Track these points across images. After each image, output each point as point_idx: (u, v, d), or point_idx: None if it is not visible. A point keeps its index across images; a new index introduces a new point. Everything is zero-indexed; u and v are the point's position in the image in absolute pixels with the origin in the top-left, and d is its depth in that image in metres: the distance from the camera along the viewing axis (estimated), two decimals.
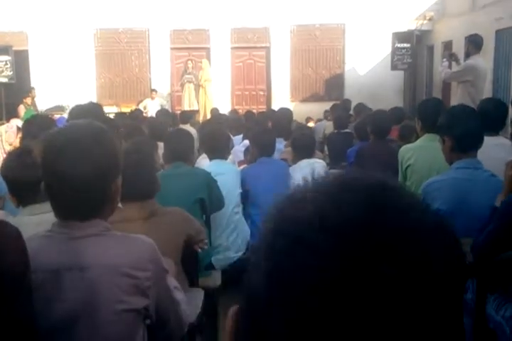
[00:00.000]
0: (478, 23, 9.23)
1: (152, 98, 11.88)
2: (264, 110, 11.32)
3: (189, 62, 12.24)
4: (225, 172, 3.69)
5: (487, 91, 7.48)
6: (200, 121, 8.82)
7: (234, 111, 9.66)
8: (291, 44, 13.06)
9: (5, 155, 2.78)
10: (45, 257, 1.35)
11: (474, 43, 6.07)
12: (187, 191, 3.05)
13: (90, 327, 1.32)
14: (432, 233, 0.45)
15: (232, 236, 3.69)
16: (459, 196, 2.64)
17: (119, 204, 1.70)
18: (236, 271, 3.97)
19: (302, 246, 0.43)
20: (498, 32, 8.97)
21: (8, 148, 4.80)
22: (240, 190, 3.78)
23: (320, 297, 0.41)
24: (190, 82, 11.97)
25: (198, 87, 11.92)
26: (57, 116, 8.90)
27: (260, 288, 0.45)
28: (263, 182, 3.80)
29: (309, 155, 4.02)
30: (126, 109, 9.64)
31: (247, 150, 4.67)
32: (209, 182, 3.27)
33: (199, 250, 2.49)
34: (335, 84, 13.18)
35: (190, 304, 1.84)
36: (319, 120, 9.79)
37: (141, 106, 11.09)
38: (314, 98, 13.05)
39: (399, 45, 12.03)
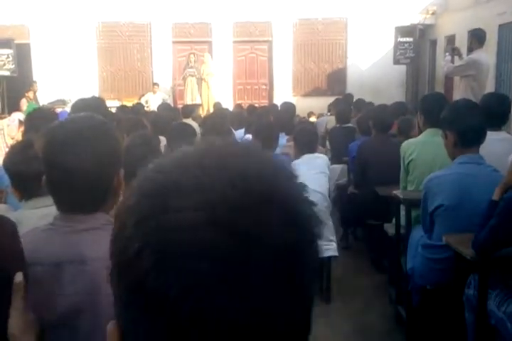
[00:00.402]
0: (481, 18, 9.18)
1: (154, 92, 11.87)
2: (266, 104, 11.30)
3: (191, 55, 12.21)
4: None
5: (490, 86, 7.46)
6: (202, 116, 8.80)
7: (238, 106, 9.65)
8: (293, 38, 13.02)
9: (7, 149, 2.78)
10: (46, 250, 1.35)
11: (477, 38, 6.04)
12: None
13: (93, 320, 1.32)
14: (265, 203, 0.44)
15: None
16: (461, 191, 2.64)
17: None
18: None
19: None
20: (501, 26, 8.94)
21: (11, 142, 4.80)
22: None
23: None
24: (192, 75, 11.95)
25: (200, 80, 11.89)
26: (59, 110, 8.90)
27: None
28: None
29: (311, 150, 4.01)
30: (128, 103, 9.62)
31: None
32: None
33: None
34: (337, 79, 13.14)
35: None
36: (321, 115, 9.78)
37: (143, 101, 11.07)
38: (316, 92, 13.02)
39: (401, 40, 11.99)
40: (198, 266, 0.41)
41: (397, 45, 11.97)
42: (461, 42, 8.94)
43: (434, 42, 12.31)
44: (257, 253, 0.42)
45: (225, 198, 0.43)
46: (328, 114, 8.84)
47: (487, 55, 6.46)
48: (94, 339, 1.29)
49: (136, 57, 13.11)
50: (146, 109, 9.33)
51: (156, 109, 8.71)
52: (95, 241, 1.35)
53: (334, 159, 5.39)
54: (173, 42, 12.95)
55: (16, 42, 11.73)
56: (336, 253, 3.86)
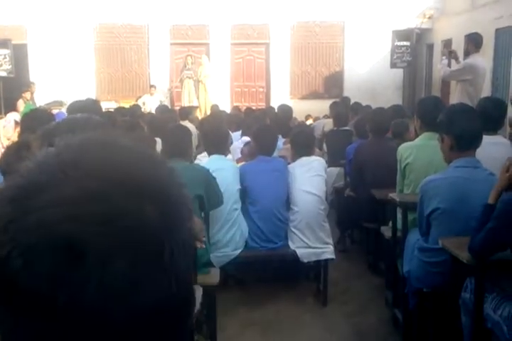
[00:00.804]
0: (477, 22, 9.22)
1: (151, 94, 11.86)
2: (264, 107, 11.30)
3: (188, 57, 12.21)
4: (224, 168, 3.68)
5: (486, 90, 7.48)
6: (200, 118, 8.80)
7: (235, 108, 9.66)
8: (290, 41, 13.04)
9: (3, 150, 2.77)
10: None
11: (474, 42, 6.06)
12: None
13: None
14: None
15: (230, 233, 3.69)
16: (457, 195, 2.64)
17: None
18: (234, 268, 3.97)
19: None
20: (497, 30, 8.97)
21: (6, 143, 4.78)
22: (239, 187, 3.77)
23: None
24: (189, 77, 11.95)
25: (197, 82, 11.89)
26: (55, 111, 8.87)
27: None
28: (262, 179, 3.80)
29: (308, 152, 4.01)
30: (125, 105, 9.61)
31: (247, 144, 4.66)
32: (208, 179, 3.26)
33: (198, 247, 2.48)
34: (334, 82, 13.16)
35: None
36: (317, 118, 9.78)
37: (140, 102, 11.05)
38: (313, 95, 13.04)
39: (398, 43, 12.01)
40: (67, 261, 0.42)
41: (394, 48, 12.00)
42: (458, 47, 8.97)
43: (430, 46, 12.35)
44: (122, 238, 0.43)
45: (82, 191, 0.44)
46: (321, 117, 8.87)
47: (483, 59, 6.48)
48: None
49: (133, 58, 13.10)
50: (143, 110, 9.32)
51: (153, 111, 8.70)
52: None
53: (331, 162, 5.39)
54: (171, 44, 12.95)
55: (13, 42, 11.70)
56: (332, 256, 3.86)
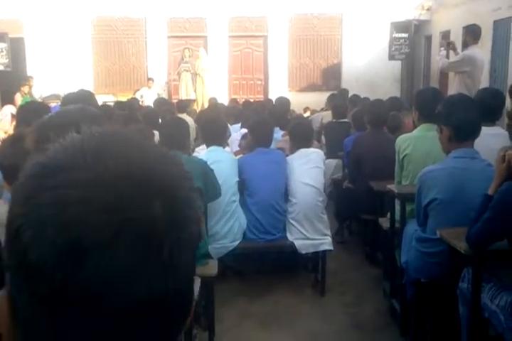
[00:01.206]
0: (476, 14, 9.19)
1: (149, 87, 11.83)
2: (262, 99, 11.28)
3: (186, 50, 12.16)
4: (223, 160, 3.68)
5: (484, 82, 7.47)
6: (197, 111, 8.78)
7: (233, 101, 9.64)
8: (288, 33, 12.99)
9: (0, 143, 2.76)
10: None
11: (472, 33, 6.04)
12: None
13: None
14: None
15: (228, 225, 3.69)
16: (455, 185, 2.64)
17: None
18: (232, 259, 3.98)
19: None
20: (495, 22, 8.94)
21: (3, 136, 4.77)
22: (237, 179, 3.77)
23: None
24: (187, 70, 11.91)
25: (195, 75, 11.86)
26: (53, 105, 8.85)
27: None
28: (260, 171, 3.80)
29: (307, 144, 4.00)
30: (123, 98, 9.59)
31: (244, 136, 4.65)
32: (206, 171, 3.26)
33: None
34: (332, 74, 13.13)
35: None
36: (315, 111, 9.76)
37: (137, 95, 11.04)
38: (311, 88, 13.01)
39: (397, 35, 11.98)
40: (69, 240, 0.44)
41: (393, 40, 11.97)
42: (456, 38, 8.95)
43: (429, 38, 12.31)
44: (124, 228, 0.45)
45: (96, 178, 0.46)
46: (318, 110, 8.85)
47: (482, 51, 6.46)
48: None
49: (131, 51, 13.06)
50: (140, 103, 9.30)
51: (151, 104, 8.68)
52: None
53: (329, 154, 5.39)
54: (168, 37, 12.90)
55: (9, 36, 11.65)
56: (330, 248, 3.87)
